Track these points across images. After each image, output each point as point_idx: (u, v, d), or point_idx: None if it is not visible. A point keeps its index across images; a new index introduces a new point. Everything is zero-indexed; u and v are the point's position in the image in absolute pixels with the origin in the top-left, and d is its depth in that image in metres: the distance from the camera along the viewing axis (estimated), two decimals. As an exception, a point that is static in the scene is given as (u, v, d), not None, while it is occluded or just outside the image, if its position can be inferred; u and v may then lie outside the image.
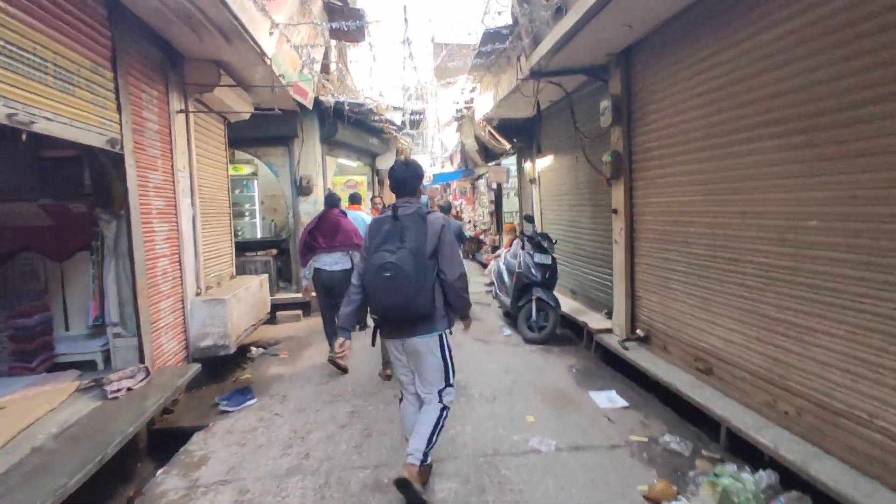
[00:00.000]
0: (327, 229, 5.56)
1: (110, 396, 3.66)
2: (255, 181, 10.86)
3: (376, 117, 9.07)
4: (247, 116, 6.76)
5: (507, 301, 7.08)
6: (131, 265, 4.18)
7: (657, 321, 5.01)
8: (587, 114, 6.29)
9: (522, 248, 9.74)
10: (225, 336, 5.41)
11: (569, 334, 6.82)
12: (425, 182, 18.93)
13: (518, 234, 10.44)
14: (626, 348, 5.18)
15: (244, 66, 5.55)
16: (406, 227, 2.87)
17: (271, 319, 8.37)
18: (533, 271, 6.56)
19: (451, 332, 3.13)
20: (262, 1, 4.82)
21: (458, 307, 3.07)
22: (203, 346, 5.38)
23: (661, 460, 3.51)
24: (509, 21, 5.65)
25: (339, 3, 7.08)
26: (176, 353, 5.01)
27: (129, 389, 3.80)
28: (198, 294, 5.49)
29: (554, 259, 6.66)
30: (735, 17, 3.65)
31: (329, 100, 8.11)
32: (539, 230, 7.14)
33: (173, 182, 5.10)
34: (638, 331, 5.29)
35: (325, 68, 8.01)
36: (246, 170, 10.73)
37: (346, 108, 8.48)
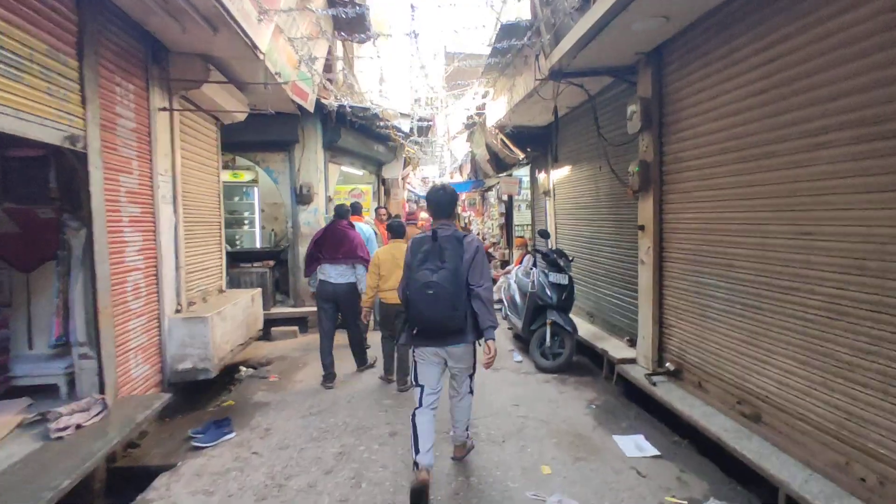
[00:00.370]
0: (333, 241, 5.53)
1: (53, 436, 3.12)
2: (256, 188, 10.38)
3: (382, 123, 8.57)
4: (241, 118, 6.28)
5: (519, 323, 6.50)
6: (92, 280, 3.66)
7: (691, 354, 4.40)
8: (611, 120, 5.74)
9: (534, 265, 9.18)
10: (206, 358, 4.87)
11: (586, 362, 6.21)
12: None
13: (530, 249, 9.88)
14: (654, 383, 4.57)
15: (235, 62, 5.06)
16: (444, 248, 3.20)
17: (266, 335, 7.84)
18: (548, 292, 5.98)
19: (480, 345, 3.43)
20: (254, -12, 4.35)
21: (483, 318, 3.28)
22: (181, 368, 4.85)
23: (707, 532, 2.90)
24: (528, 15, 5.12)
25: None
26: (148, 379, 4.48)
27: (78, 427, 3.26)
28: (177, 311, 4.96)
29: (571, 279, 6.08)
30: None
31: (332, 103, 7.63)
32: (554, 246, 6.58)
33: (152, 187, 4.60)
34: (667, 364, 4.68)
35: (328, 69, 7.53)
36: (246, 176, 10.26)
37: (350, 112, 7.99)
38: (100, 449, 3.07)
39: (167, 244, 4.79)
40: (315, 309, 8.29)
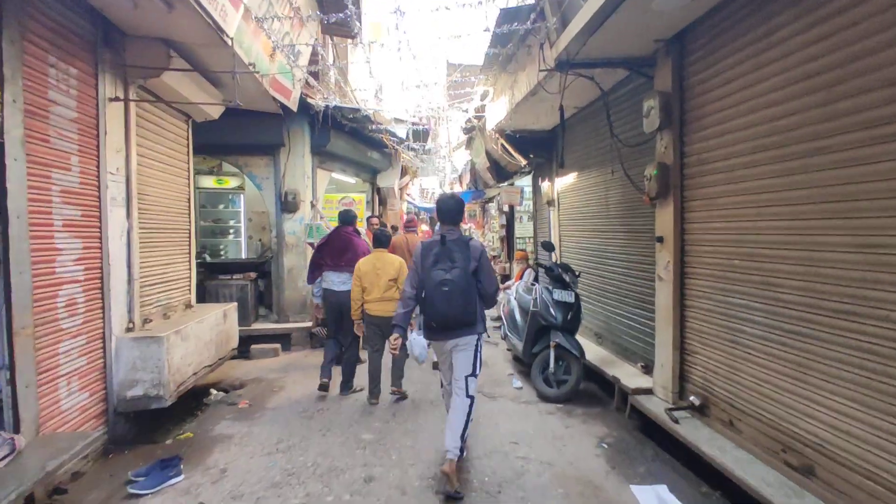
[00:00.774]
0: (337, 248, 5.43)
1: (-70, 492, 2.50)
2: (242, 196, 9.83)
3: (375, 126, 8.01)
4: (215, 115, 5.72)
5: (519, 345, 5.86)
6: (6, 294, 3.05)
7: (719, 386, 3.77)
8: (624, 120, 5.17)
9: (536, 280, 8.56)
10: (159, 384, 4.24)
11: (594, 390, 5.56)
12: (432, 205, 17.84)
13: (531, 263, 9.27)
14: (677, 420, 3.92)
15: (201, 49, 4.51)
16: (453, 251, 3.56)
17: (244, 353, 7.23)
18: (552, 311, 5.35)
19: (489, 337, 3.95)
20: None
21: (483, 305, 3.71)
22: (131, 396, 4.22)
23: None
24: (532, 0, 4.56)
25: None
26: (85, 410, 3.85)
27: (-33, 478, 2.64)
28: (129, 329, 4.35)
29: (577, 297, 5.46)
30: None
31: (318, 103, 7.07)
32: (558, 260, 5.97)
33: (98, 187, 4.02)
34: (691, 397, 4.04)
35: (316, 69, 6.99)
36: (232, 182, 9.71)
37: (339, 113, 7.44)
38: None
39: (117, 253, 4.19)
40: (298, 325, 7.77)
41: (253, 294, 7.75)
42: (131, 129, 4.37)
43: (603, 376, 5.29)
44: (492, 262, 11.63)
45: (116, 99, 4.17)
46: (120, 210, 4.24)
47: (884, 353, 2.47)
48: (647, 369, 4.97)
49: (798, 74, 2.97)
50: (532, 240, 11.86)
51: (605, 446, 4.13)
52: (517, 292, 6.56)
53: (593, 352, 5.85)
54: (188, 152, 5.64)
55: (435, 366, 5.06)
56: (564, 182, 7.40)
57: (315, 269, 5.52)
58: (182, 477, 3.61)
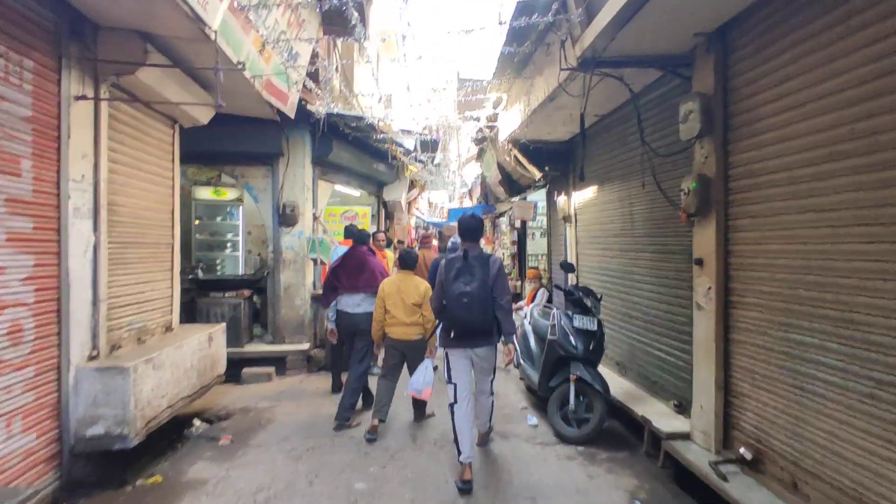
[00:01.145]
0: (352, 268, 5.26)
1: None
2: (241, 208, 9.37)
3: (380, 136, 7.52)
4: (203, 119, 5.25)
5: (534, 376, 5.27)
6: (-77, 323, 2.54)
7: (779, 440, 3.16)
8: (653, 127, 4.62)
9: (549, 300, 7.98)
10: (123, 421, 3.70)
11: (618, 428, 4.94)
12: (441, 220, 17.31)
13: (544, 282, 8.69)
14: (724, 476, 3.31)
15: (183, 44, 4.05)
16: (473, 266, 3.82)
17: (235, 377, 6.70)
18: (571, 340, 4.77)
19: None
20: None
21: (505, 325, 3.91)
22: (91, 435, 3.68)
23: None
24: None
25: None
26: (31, 454, 3.31)
27: None
28: (93, 358, 3.82)
29: (600, 324, 4.88)
30: None
31: (319, 109, 6.60)
32: (577, 282, 5.40)
33: (58, 196, 3.52)
34: (741, 449, 3.42)
35: (314, 76, 6.53)
36: (230, 194, 9.26)
37: (342, 121, 6.97)
38: None
39: (79, 271, 3.68)
40: (294, 347, 7.24)
41: (247, 313, 7.22)
42: (102, 131, 3.88)
43: (629, 414, 4.69)
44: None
45: (83, 97, 3.69)
46: (85, 222, 3.74)
47: None
48: (682, 409, 4.36)
49: (888, 65, 2.42)
50: (545, 257, 11.29)
51: (639, 504, 3.52)
52: (531, 316, 5.98)
53: (616, 384, 5.24)
54: (173, 160, 5.16)
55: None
56: (583, 196, 6.85)
57: (330, 293, 5.30)
58: (137, 539, 3.06)
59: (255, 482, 3.84)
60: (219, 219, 9.39)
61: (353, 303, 5.20)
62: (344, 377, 5.89)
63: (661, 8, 3.30)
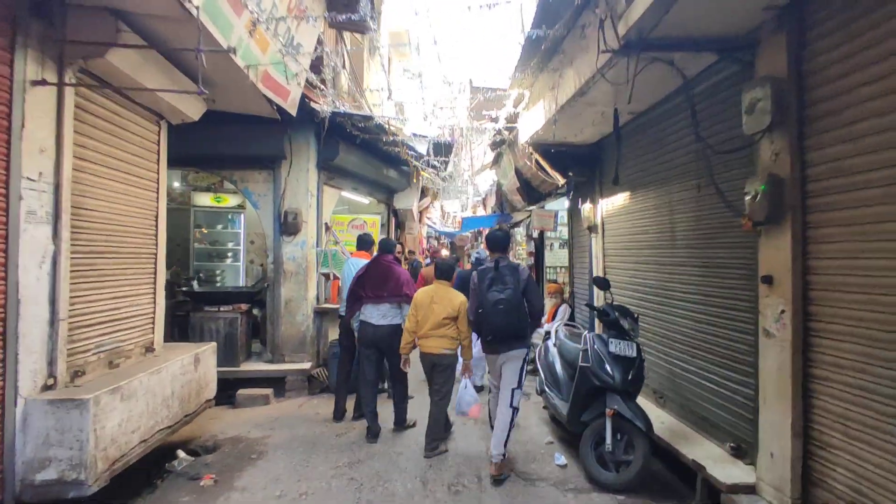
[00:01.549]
0: (377, 277, 5.07)
1: None
2: (242, 215, 8.89)
3: (391, 138, 6.97)
4: (193, 116, 4.75)
5: (563, 408, 4.62)
6: None
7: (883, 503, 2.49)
8: (704, 123, 3.99)
9: (571, 318, 7.33)
10: (80, 464, 3.12)
11: (662, 472, 4.27)
12: (454, 229, 16.72)
13: (565, 297, 8.02)
14: (812, 550, 2.64)
15: (162, 24, 3.52)
16: (504, 275, 4.12)
17: (230, 399, 6.14)
18: (607, 368, 4.12)
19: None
20: None
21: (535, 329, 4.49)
22: (41, 481, 3.10)
23: None
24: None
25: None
26: (-42, 508, 2.74)
27: None
28: (48, 388, 3.26)
29: (640, 349, 4.23)
30: None
31: (324, 108, 6.06)
32: (611, 300, 4.75)
33: (6, 196, 2.98)
34: (831, 514, 2.76)
35: (317, 70, 6.01)
36: (231, 200, 8.79)
37: (349, 121, 6.42)
38: None
39: (33, 285, 3.14)
40: (295, 367, 6.65)
41: (244, 329, 6.66)
42: (66, 123, 3.35)
43: (674, 455, 4.02)
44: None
45: (43, 82, 3.16)
46: (41, 228, 3.20)
47: None
48: (740, 452, 3.68)
49: None
50: (566, 270, 10.64)
51: (701, 581, 2.85)
52: (556, 337, 5.34)
53: (655, 417, 4.54)
54: (159, 160, 4.64)
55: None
56: (612, 204, 6.21)
57: (354, 302, 5.11)
58: None
59: (236, 538, 3.23)
60: (219, 227, 8.92)
61: (378, 314, 4.99)
62: (350, 401, 5.58)
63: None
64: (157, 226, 4.62)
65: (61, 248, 3.32)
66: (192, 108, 4.66)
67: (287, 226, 6.76)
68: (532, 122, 6.19)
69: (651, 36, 3.33)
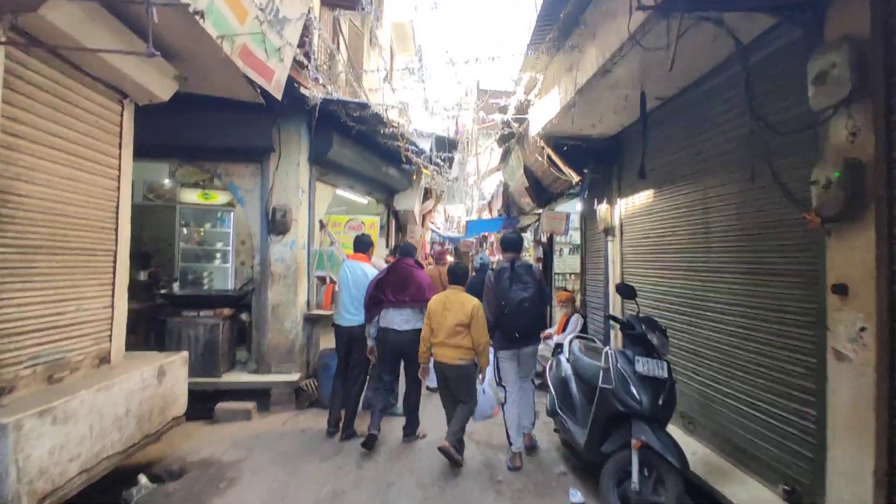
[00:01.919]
0: (398, 282, 4.94)
1: None
2: (232, 214, 8.33)
3: (388, 130, 6.39)
4: (163, 95, 4.20)
5: (579, 434, 4.01)
6: None
7: None
8: (758, 98, 3.39)
9: (585, 329, 6.71)
10: (-7, 504, 2.55)
11: (696, 512, 3.65)
12: (458, 234, 16.13)
13: (576, 307, 7.37)
14: None
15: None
16: (521, 273, 4.38)
17: (208, 414, 5.56)
18: (633, 391, 3.50)
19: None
20: None
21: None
22: (-57, 523, 2.53)
23: None
24: None
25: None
26: None
27: None
28: (-40, 408, 2.69)
29: (671, 370, 3.61)
30: None
31: (314, 94, 5.50)
32: (637, 311, 4.12)
33: None
34: None
35: (308, 55, 5.45)
36: (220, 198, 8.23)
37: (341, 109, 5.85)
38: None
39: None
40: (281, 378, 6.08)
41: (226, 336, 6.08)
42: (-10, 90, 2.79)
43: (709, 493, 3.40)
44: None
45: (-45, 38, 2.61)
46: (-48, 215, 2.64)
47: None
48: (795, 497, 3.06)
49: None
50: (577, 277, 10.02)
51: None
52: (570, 351, 4.72)
53: (684, 445, 3.85)
54: (121, 144, 4.08)
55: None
56: (633, 203, 5.61)
57: (374, 306, 4.93)
58: None
59: None
60: (208, 226, 8.36)
61: (400, 319, 4.83)
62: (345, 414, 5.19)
63: None
64: (117, 219, 4.05)
65: (-19, 241, 2.76)
66: (160, 87, 4.11)
67: (275, 224, 6.19)
68: (545, 110, 5.61)
69: (696, -9, 2.74)
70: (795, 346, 3.12)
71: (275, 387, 6.02)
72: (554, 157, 6.20)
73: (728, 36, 2.99)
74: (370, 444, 4.64)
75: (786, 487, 3.13)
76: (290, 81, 5.44)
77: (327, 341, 6.72)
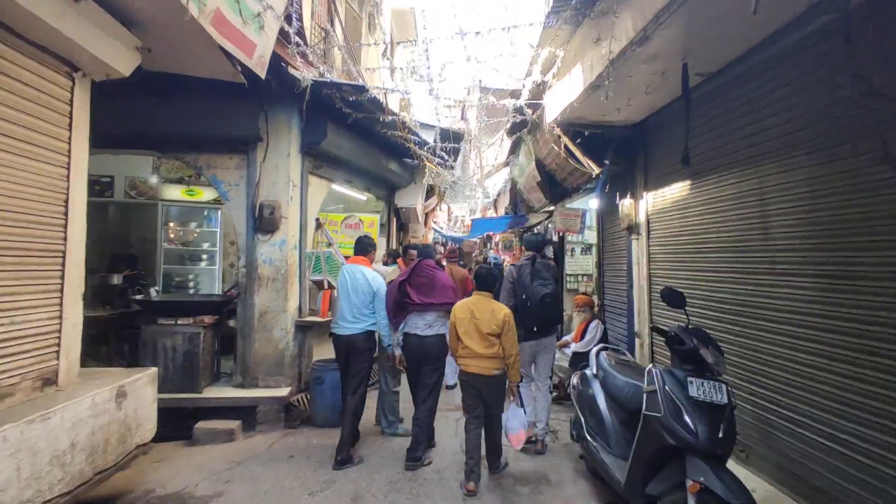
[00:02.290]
0: (422, 284, 4.71)
1: None
2: (219, 212, 7.71)
3: (388, 117, 5.76)
4: (123, 69, 3.57)
5: (615, 467, 3.37)
6: None
7: None
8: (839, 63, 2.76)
9: (605, 337, 6.08)
10: None
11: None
12: (462, 234, 15.55)
13: (595, 312, 6.72)
14: None
15: None
16: (540, 270, 4.68)
17: (186, 436, 4.94)
18: (687, 420, 2.86)
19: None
20: None
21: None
22: None
23: None
24: None
25: None
26: None
27: None
28: None
29: (730, 394, 2.98)
30: None
31: (305, 75, 4.87)
32: (688, 322, 3.46)
33: None
34: None
35: (300, 32, 4.83)
36: (206, 194, 7.61)
37: (335, 93, 5.23)
38: None
39: None
40: (269, 394, 5.45)
41: (208, 346, 5.47)
42: None
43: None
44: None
45: None
46: None
47: None
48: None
49: None
50: (589, 279, 9.40)
51: None
52: (600, 366, 4.08)
53: (740, 478, 3.29)
54: (72, 126, 3.44)
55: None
56: (662, 196, 4.99)
57: (399, 311, 4.65)
58: None
59: None
60: (193, 224, 7.74)
61: (423, 324, 4.58)
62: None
63: None
64: (67, 214, 3.42)
65: None
66: (119, 59, 3.49)
67: (263, 222, 5.57)
68: (564, 93, 4.99)
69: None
70: (890, 367, 2.49)
71: (261, 403, 5.40)
72: (571, 148, 5.57)
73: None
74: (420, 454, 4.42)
75: (886, 546, 2.50)
76: (278, 60, 4.84)
77: (321, 351, 6.10)
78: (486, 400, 4.01)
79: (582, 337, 6.11)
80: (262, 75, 4.28)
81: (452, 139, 7.03)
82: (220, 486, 3.97)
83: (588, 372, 4.21)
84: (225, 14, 3.55)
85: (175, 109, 5.19)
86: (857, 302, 2.74)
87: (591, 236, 9.05)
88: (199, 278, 7.78)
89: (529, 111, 5.88)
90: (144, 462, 4.34)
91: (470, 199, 20.09)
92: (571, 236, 9.24)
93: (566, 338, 6.68)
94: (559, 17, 4.00)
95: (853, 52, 2.44)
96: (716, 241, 4.10)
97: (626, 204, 5.62)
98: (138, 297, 5.73)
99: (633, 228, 5.60)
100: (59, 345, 3.37)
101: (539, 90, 5.69)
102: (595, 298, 6.97)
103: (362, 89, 5.20)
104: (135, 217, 7.90)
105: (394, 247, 9.12)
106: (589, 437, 3.84)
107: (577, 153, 5.61)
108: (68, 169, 3.43)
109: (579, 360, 5.95)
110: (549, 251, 10.00)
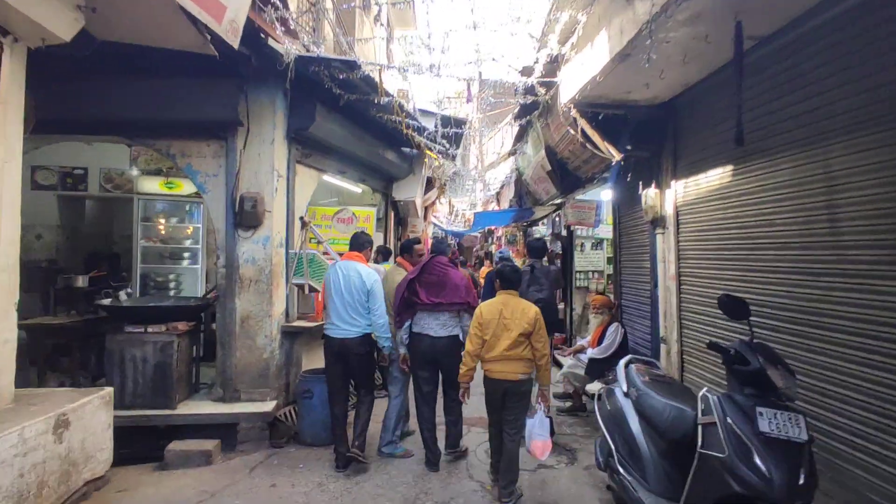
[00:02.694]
0: (432, 281, 4.41)
1: None
2: (202, 207, 7.09)
3: (383, 99, 5.14)
4: (63, 34, 2.96)
5: (656, 511, 2.80)
6: None
7: None
8: None
9: (624, 344, 5.48)
10: None
11: None
12: (463, 228, 14.95)
13: (613, 314, 6.10)
14: None
15: None
16: (538, 277, 5.16)
17: (159, 456, 4.39)
18: (758, 462, 2.27)
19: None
20: None
21: None
22: None
23: None
24: None
25: None
26: None
27: None
28: None
29: (809, 429, 2.39)
30: None
31: (289, 49, 4.26)
32: (751, 337, 2.85)
33: None
34: None
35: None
36: (187, 188, 7.00)
37: (324, 70, 4.62)
38: None
39: None
40: (252, 409, 4.86)
41: (183, 356, 4.90)
42: None
43: None
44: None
45: None
46: None
47: None
48: None
49: None
50: (600, 276, 8.82)
51: None
52: (632, 383, 3.49)
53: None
54: (4, 103, 2.84)
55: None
56: (696, 185, 4.40)
57: (406, 309, 4.42)
58: None
59: None
60: (174, 220, 7.14)
61: (436, 324, 4.35)
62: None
63: None
64: (-7, 207, 2.83)
65: None
66: (56, 20, 2.89)
67: (244, 216, 4.98)
68: (584, 67, 4.37)
69: None
70: None
71: (243, 420, 4.84)
72: (589, 132, 4.96)
73: None
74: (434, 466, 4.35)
75: None
76: (257, 32, 4.24)
77: (311, 360, 5.54)
78: (507, 404, 3.78)
79: (600, 342, 5.53)
80: (235, 45, 3.67)
81: (454, 125, 6.41)
82: (192, 521, 3.40)
83: (617, 390, 3.62)
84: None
85: (142, 90, 4.62)
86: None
87: (603, 230, 8.47)
88: (181, 279, 7.19)
89: (542, 90, 5.26)
90: (107, 492, 3.78)
91: (471, 191, 19.52)
92: (581, 231, 8.66)
93: (582, 342, 6.09)
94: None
95: None
96: (762, 236, 3.50)
97: (650, 194, 5.02)
98: (105, 301, 5.14)
99: (657, 222, 5.00)
100: (-15, 365, 2.79)
101: (553, 67, 5.06)
102: (612, 298, 6.38)
103: (354, 65, 4.58)
104: (112, 212, 7.31)
105: (391, 243, 8.53)
106: (621, 469, 3.25)
107: (596, 137, 5.01)
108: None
109: (597, 366, 5.39)
110: (558, 246, 9.42)
